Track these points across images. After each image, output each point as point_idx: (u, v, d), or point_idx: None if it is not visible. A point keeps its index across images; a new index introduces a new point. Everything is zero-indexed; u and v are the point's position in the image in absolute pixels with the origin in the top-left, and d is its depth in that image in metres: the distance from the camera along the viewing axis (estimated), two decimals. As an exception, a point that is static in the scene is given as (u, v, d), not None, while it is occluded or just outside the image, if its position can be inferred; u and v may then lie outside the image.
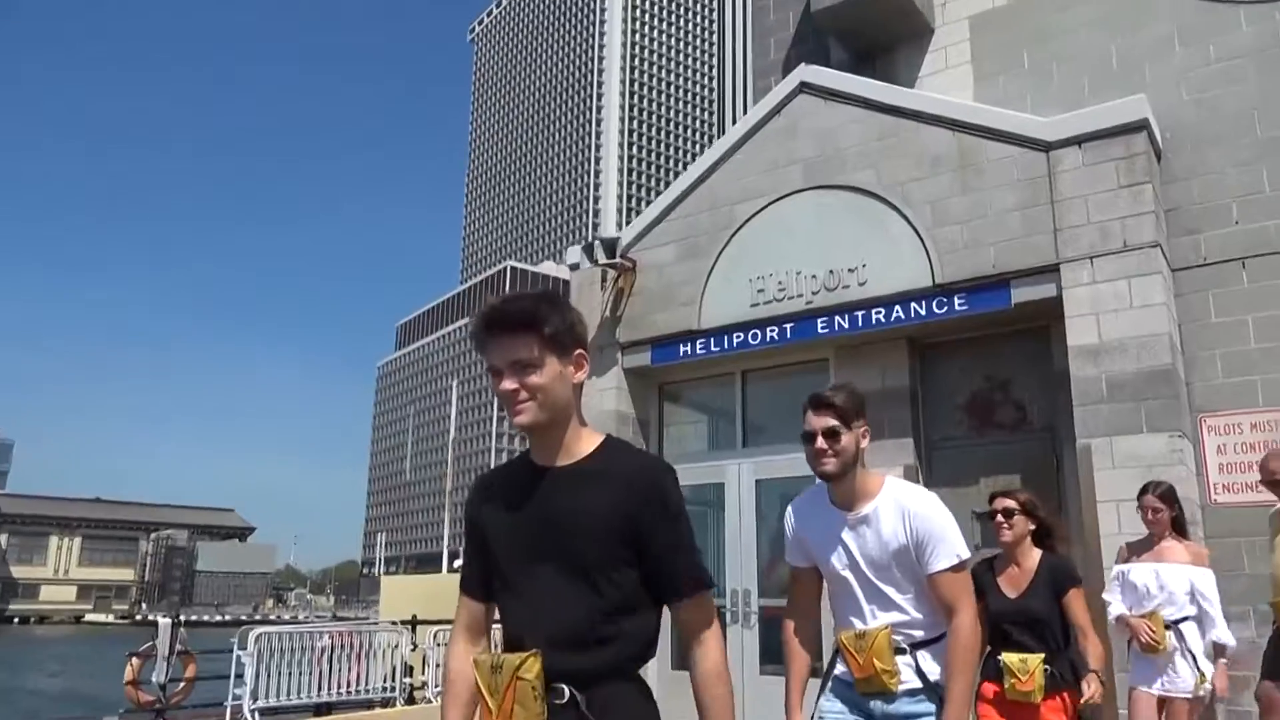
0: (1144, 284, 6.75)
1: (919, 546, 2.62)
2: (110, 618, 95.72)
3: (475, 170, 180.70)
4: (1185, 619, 4.56)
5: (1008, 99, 8.29)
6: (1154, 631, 4.51)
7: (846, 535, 2.71)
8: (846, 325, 8.08)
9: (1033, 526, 3.91)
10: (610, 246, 9.24)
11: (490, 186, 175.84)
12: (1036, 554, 3.88)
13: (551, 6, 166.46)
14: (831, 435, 2.65)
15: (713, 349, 8.82)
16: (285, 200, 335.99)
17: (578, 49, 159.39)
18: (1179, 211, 7.27)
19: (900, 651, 2.66)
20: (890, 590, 2.67)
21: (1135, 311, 6.74)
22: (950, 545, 2.62)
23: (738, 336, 8.69)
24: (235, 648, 8.84)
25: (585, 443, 1.87)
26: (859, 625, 2.70)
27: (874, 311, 7.96)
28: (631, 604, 1.80)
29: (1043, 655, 3.66)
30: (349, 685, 10.39)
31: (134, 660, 10.34)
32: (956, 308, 7.55)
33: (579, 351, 1.86)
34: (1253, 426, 6.64)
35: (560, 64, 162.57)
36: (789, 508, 2.93)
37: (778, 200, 8.65)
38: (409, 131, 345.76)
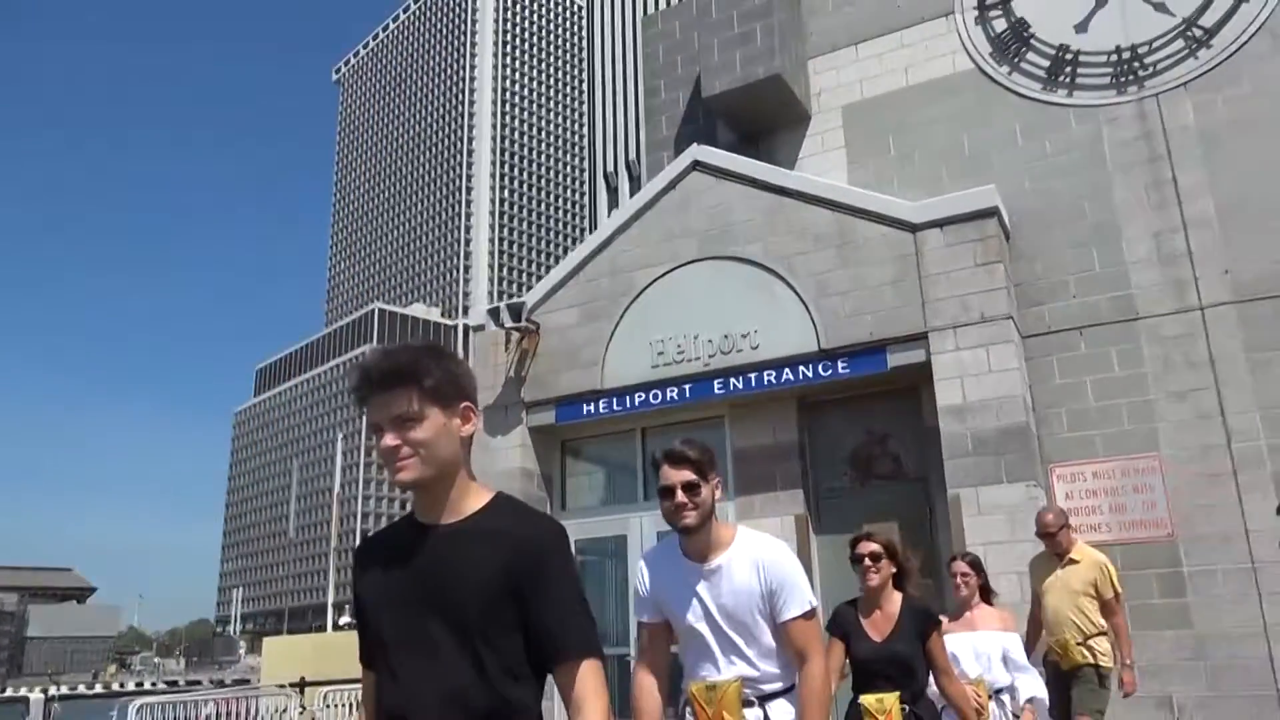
0: (1000, 351, 7.71)
1: (772, 595, 2.67)
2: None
3: (341, 210, 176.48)
4: (1004, 689, 4.66)
5: (877, 181, 9.25)
6: (980, 698, 4.53)
7: (700, 587, 2.72)
8: (741, 386, 8.76)
9: (893, 569, 3.89)
10: (516, 310, 9.65)
11: (357, 227, 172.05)
12: (898, 596, 3.87)
13: (421, 49, 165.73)
14: (691, 489, 2.66)
15: (615, 408, 9.33)
16: (133, 239, 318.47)
17: (448, 89, 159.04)
18: (1026, 286, 8.32)
19: (749, 704, 2.68)
20: (742, 641, 2.69)
21: (993, 375, 7.67)
22: (802, 593, 2.69)
23: (639, 396, 9.23)
24: (115, 721, 8.67)
25: (474, 499, 1.76)
26: (710, 677, 2.72)
27: (765, 373, 8.67)
28: (515, 673, 1.68)
29: (898, 694, 3.66)
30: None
31: (0, 741, 9.87)
32: (840, 371, 8.35)
33: (465, 404, 1.76)
34: (1094, 474, 7.65)
35: (430, 104, 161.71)
36: (640, 562, 2.93)
37: (675, 269, 9.30)
38: (267, 169, 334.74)
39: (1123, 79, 8.46)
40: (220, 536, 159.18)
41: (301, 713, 13.03)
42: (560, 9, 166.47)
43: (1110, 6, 8.64)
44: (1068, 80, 8.69)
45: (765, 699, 2.70)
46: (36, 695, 9.62)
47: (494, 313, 9.82)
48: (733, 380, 8.82)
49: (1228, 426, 7.40)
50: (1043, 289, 8.28)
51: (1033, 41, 8.91)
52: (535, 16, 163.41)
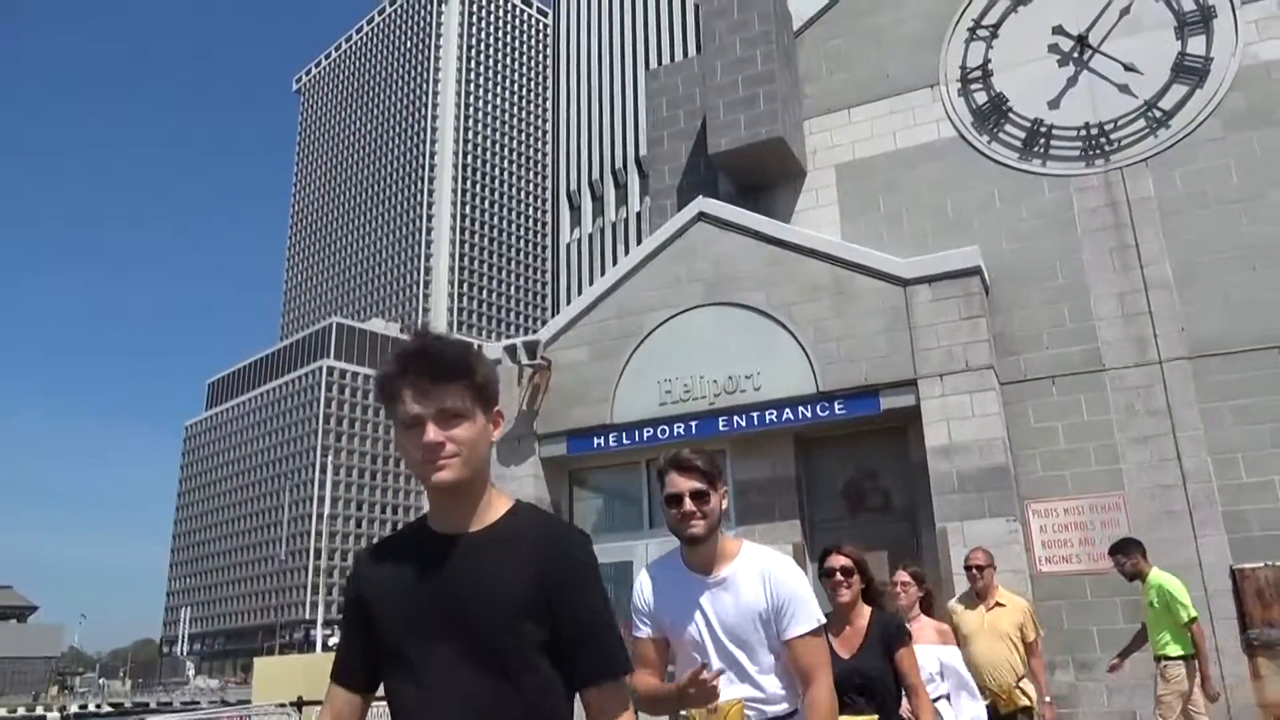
0: (982, 398, 8.53)
1: (778, 611, 2.56)
2: None
3: (299, 222, 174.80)
4: (940, 698, 4.70)
5: (868, 236, 10.07)
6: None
7: (704, 600, 2.62)
8: (744, 424, 9.47)
9: (863, 585, 3.79)
10: (531, 348, 10.28)
11: (315, 240, 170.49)
12: (867, 611, 3.76)
13: (384, 62, 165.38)
14: (699, 497, 2.57)
15: (624, 442, 9.98)
16: (80, 243, 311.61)
17: (411, 103, 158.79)
18: (1004, 337, 9.16)
19: None
20: (745, 659, 2.58)
21: (976, 419, 8.48)
22: (810, 609, 2.58)
23: (647, 431, 9.90)
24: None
25: (496, 507, 1.71)
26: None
27: (767, 412, 9.40)
28: (549, 689, 1.62)
29: (876, 717, 3.55)
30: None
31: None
32: (836, 412, 9.10)
33: (498, 408, 1.73)
34: (1065, 510, 8.49)
35: (392, 118, 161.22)
36: (642, 575, 2.80)
37: (681, 313, 10.01)
38: (223, 176, 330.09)
39: (1091, 152, 9.39)
40: (168, 554, 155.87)
41: (307, 731, 13.40)
42: (525, 27, 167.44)
43: (1080, 86, 9.58)
44: (1041, 151, 9.60)
45: None
46: (54, 715, 9.97)
47: (510, 349, 10.43)
48: (736, 418, 9.54)
49: (1183, 469, 8.29)
50: (1019, 340, 9.13)
51: (1010, 114, 9.82)
52: (499, 33, 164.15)
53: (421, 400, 1.62)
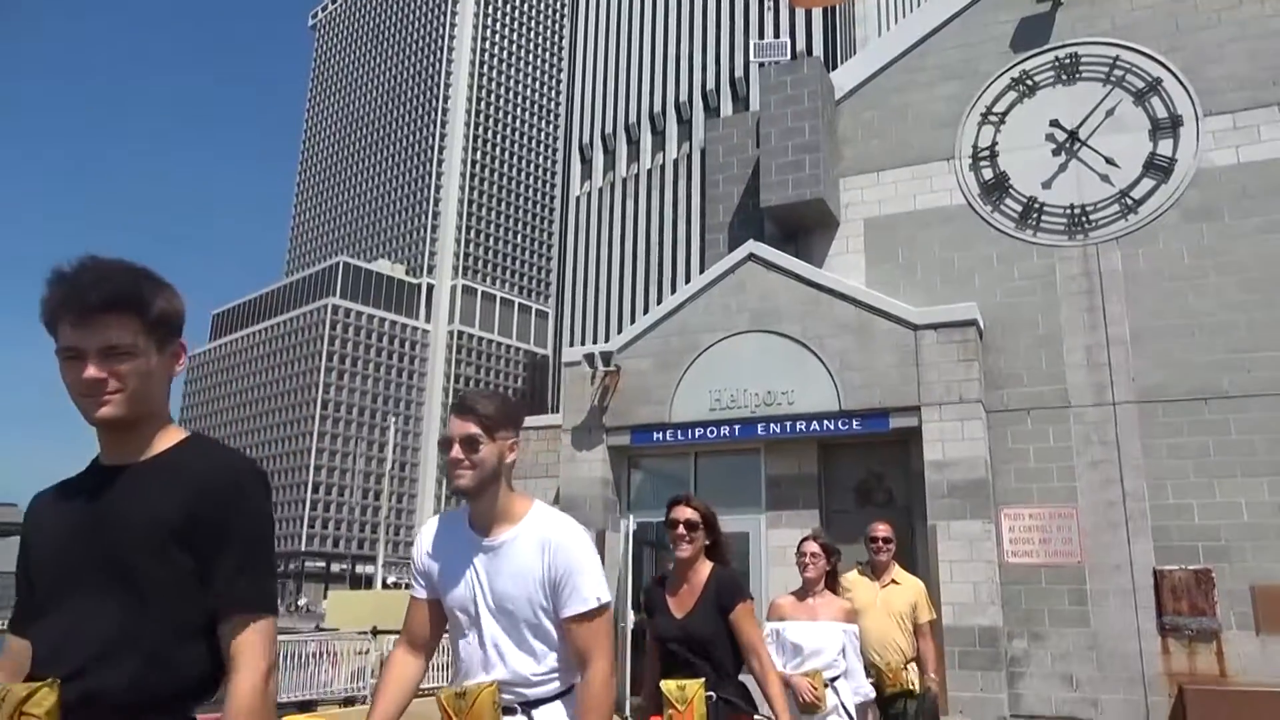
0: (971, 425, 10.82)
1: (555, 585, 2.28)
2: None
3: (308, 159, 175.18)
4: (838, 676, 4.58)
5: (887, 280, 12.27)
6: (816, 690, 4.41)
7: (478, 563, 2.35)
8: (778, 431, 11.76)
9: (707, 542, 3.61)
10: (606, 356, 12.53)
11: (324, 178, 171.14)
12: (707, 567, 3.58)
13: (401, 2, 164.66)
14: (469, 444, 2.28)
15: (680, 438, 12.29)
16: (86, 169, 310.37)
17: (426, 44, 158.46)
18: (992, 374, 11.42)
19: (510, 711, 2.28)
20: (520, 633, 2.31)
21: (965, 441, 10.78)
22: (590, 586, 2.28)
23: (698, 431, 12.19)
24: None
25: (166, 439, 1.62)
26: (475, 676, 2.32)
27: (797, 423, 11.68)
28: (187, 629, 1.51)
29: (703, 680, 3.36)
30: (324, 685, 13.19)
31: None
32: (854, 427, 11.39)
33: (181, 340, 1.62)
34: (1030, 516, 10.83)
35: (407, 59, 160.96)
36: (423, 529, 2.56)
37: (731, 336, 12.24)
38: (235, 108, 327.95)
39: (1073, 228, 11.56)
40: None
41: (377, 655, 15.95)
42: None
43: (1069, 172, 11.71)
44: (1033, 223, 11.76)
45: (531, 705, 2.31)
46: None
47: (589, 357, 12.68)
48: (772, 425, 11.82)
49: (1124, 489, 10.61)
50: (1004, 377, 11.39)
51: (1010, 190, 11.96)
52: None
53: (85, 334, 1.52)
